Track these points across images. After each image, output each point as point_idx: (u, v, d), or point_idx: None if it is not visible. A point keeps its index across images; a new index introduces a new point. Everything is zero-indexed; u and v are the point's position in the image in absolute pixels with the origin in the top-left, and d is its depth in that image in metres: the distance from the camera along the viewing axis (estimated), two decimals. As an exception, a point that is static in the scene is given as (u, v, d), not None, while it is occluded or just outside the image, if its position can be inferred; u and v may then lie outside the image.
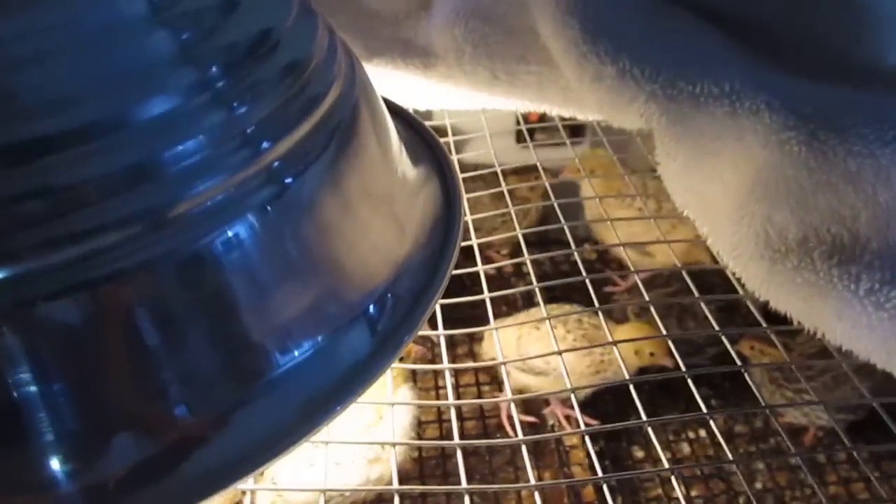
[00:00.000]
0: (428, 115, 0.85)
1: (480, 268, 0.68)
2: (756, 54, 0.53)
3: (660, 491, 0.85)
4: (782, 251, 0.48)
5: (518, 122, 0.92)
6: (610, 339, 0.61)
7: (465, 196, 0.51)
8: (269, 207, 0.33)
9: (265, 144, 0.32)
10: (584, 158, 0.91)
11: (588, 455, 0.59)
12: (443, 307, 0.63)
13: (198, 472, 0.32)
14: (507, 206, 0.76)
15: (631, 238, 0.79)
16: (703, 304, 0.62)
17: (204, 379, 0.32)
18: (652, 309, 0.65)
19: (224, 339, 0.33)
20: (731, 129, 0.49)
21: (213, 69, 0.31)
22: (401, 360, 0.73)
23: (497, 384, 0.96)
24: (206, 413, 0.32)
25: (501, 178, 0.79)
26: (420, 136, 0.55)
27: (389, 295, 0.40)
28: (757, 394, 0.57)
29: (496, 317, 0.64)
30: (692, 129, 0.50)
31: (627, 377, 0.55)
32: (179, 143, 0.29)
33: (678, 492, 0.52)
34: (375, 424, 0.75)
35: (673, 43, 0.53)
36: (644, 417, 0.51)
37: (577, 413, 0.53)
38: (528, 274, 0.69)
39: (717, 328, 0.60)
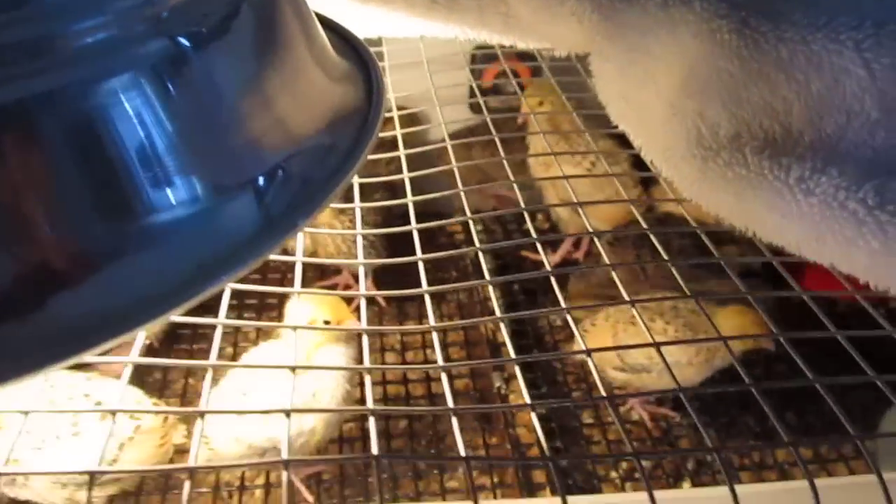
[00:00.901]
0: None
1: (415, 226, 0.61)
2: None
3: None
4: (714, 148, 0.46)
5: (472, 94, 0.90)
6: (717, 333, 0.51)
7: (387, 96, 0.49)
8: (158, 57, 0.32)
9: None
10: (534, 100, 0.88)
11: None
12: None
13: (64, 317, 0.29)
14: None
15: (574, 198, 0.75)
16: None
17: (72, 210, 0.30)
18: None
19: (97, 175, 0.30)
20: (662, 21, 0.47)
21: None
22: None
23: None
24: (73, 245, 0.30)
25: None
26: (347, 41, 0.54)
27: (281, 171, 0.38)
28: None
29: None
30: (624, 25, 0.48)
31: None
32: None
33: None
34: (303, 373, 0.72)
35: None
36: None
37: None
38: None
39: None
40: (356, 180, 0.66)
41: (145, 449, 0.71)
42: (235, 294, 0.51)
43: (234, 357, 0.87)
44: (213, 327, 0.47)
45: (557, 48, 0.60)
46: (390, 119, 0.74)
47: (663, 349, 0.45)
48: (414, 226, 0.59)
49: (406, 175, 0.66)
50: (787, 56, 0.44)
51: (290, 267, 0.56)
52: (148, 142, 0.32)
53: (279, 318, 0.80)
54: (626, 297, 0.50)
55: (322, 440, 0.76)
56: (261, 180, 0.36)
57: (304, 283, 0.73)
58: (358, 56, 0.53)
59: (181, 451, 0.80)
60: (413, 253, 0.56)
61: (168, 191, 0.32)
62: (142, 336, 0.47)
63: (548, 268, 0.53)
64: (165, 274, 0.32)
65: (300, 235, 0.59)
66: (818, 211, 0.41)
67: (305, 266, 0.93)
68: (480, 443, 0.84)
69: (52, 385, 0.70)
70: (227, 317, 0.55)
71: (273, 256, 0.63)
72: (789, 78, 0.44)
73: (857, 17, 0.43)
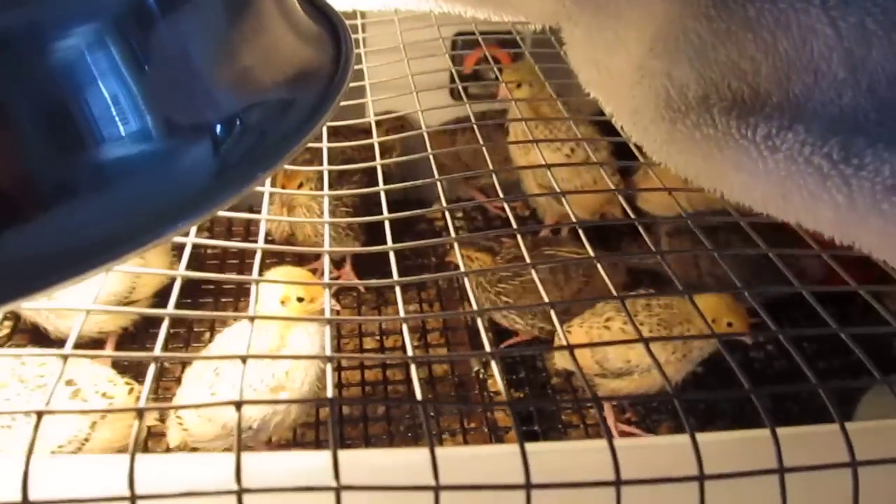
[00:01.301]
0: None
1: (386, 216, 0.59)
2: None
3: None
4: (682, 110, 0.46)
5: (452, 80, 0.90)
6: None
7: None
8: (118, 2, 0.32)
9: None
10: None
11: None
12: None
13: (13, 254, 0.29)
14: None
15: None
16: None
17: (24, 142, 0.29)
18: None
19: (50, 107, 0.30)
20: (631, -16, 0.47)
21: None
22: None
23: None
24: (24, 175, 0.30)
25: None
26: (318, 8, 0.54)
27: (239, 122, 0.38)
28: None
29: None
30: (593, -12, 0.48)
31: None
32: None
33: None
34: (276, 350, 0.71)
35: None
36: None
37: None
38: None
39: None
40: (326, 168, 0.65)
41: (117, 428, 0.70)
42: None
43: (212, 333, 0.86)
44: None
45: (532, 20, 0.60)
46: (365, 104, 0.73)
47: (636, 351, 0.44)
48: (386, 215, 0.56)
49: (378, 162, 0.64)
50: (755, 15, 0.44)
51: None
52: (103, 82, 0.31)
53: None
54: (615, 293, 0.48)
55: (297, 420, 0.75)
56: (218, 128, 0.36)
57: (284, 266, 0.73)
58: (328, 21, 0.53)
59: (155, 434, 0.79)
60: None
61: (121, 126, 0.32)
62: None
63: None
64: (118, 217, 0.31)
65: (263, 222, 0.58)
66: (784, 167, 0.41)
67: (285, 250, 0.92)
68: (458, 427, 0.84)
69: (23, 363, 0.70)
70: (203, 296, 0.55)
71: (236, 242, 0.63)
72: (757, 37, 0.44)
73: (823, -25, 0.43)
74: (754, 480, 0.33)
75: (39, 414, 0.32)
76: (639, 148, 0.53)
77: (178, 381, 0.78)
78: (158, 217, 0.32)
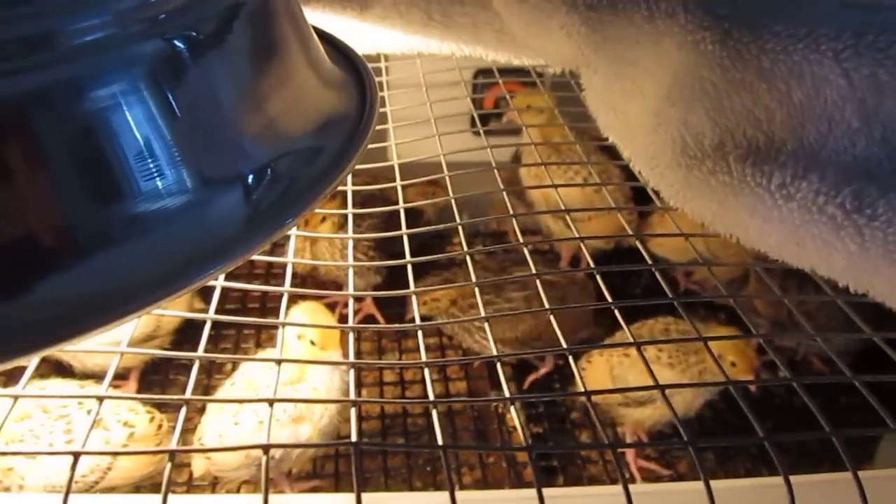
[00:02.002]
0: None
1: (409, 260, 0.61)
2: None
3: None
4: (698, 157, 0.47)
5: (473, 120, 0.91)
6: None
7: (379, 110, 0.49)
8: (154, 56, 0.33)
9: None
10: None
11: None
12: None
13: (48, 302, 0.30)
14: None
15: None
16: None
17: (63, 193, 0.31)
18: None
19: (89, 162, 0.31)
20: (648, 34, 0.48)
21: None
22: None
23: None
24: (62, 225, 0.31)
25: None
26: (343, 52, 0.55)
27: (270, 170, 0.39)
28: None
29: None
30: (611, 38, 0.50)
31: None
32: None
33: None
34: (297, 382, 0.73)
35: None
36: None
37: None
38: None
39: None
40: (351, 211, 0.66)
41: (139, 457, 0.72)
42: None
43: (235, 364, 0.88)
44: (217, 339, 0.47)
45: (551, 64, 0.62)
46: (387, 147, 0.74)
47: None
48: (409, 259, 0.59)
49: (402, 206, 0.66)
50: (769, 66, 0.45)
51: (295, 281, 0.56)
52: (140, 134, 0.33)
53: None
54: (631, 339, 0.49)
55: (317, 451, 0.76)
56: (250, 177, 0.37)
57: (306, 302, 0.74)
58: (353, 67, 0.55)
59: (177, 465, 0.80)
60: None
61: (157, 180, 0.33)
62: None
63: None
64: (152, 264, 0.33)
65: (289, 265, 0.59)
66: (798, 216, 0.42)
67: (306, 284, 0.93)
68: (476, 461, 0.84)
69: (44, 390, 0.71)
70: (227, 328, 0.55)
71: (262, 286, 0.65)
72: (771, 87, 0.45)
73: (836, 28, 0.44)
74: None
75: (76, 455, 0.33)
76: (656, 192, 0.54)
77: (201, 410, 0.79)
78: (190, 264, 0.33)
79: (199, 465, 0.75)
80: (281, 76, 0.42)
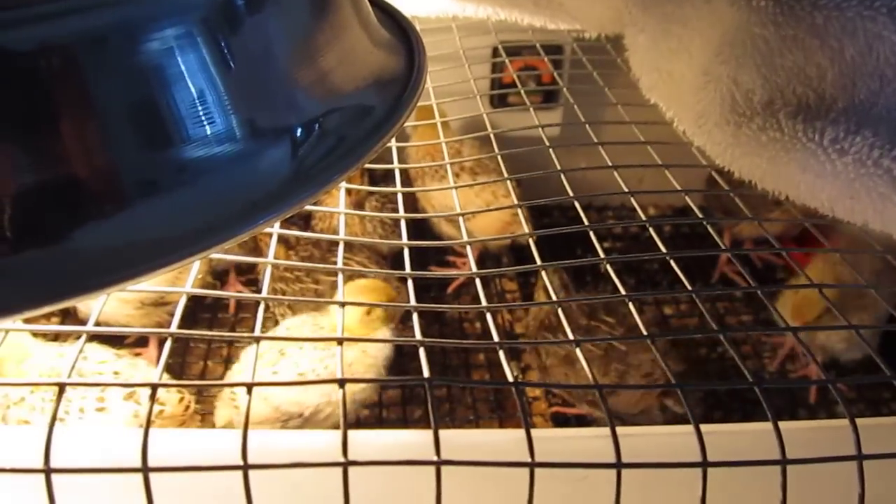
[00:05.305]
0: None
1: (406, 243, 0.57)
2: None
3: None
4: (748, 115, 0.47)
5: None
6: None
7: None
8: (209, 4, 0.33)
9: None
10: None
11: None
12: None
13: (92, 248, 0.29)
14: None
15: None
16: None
17: (112, 135, 0.30)
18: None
19: (140, 105, 0.31)
20: (699, -9, 0.48)
21: None
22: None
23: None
24: (110, 168, 0.30)
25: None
26: (391, 15, 0.55)
27: (318, 125, 0.38)
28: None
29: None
30: (660, -4, 0.50)
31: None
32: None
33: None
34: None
35: None
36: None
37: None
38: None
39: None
40: (343, 211, 0.64)
41: (171, 419, 0.72)
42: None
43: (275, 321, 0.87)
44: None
45: (587, 28, 0.62)
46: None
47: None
48: (409, 272, 0.52)
49: (399, 189, 0.64)
50: (822, 22, 0.45)
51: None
52: (191, 80, 0.32)
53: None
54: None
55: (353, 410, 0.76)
56: (298, 130, 0.36)
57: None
58: (401, 30, 0.54)
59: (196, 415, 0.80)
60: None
61: (207, 126, 0.32)
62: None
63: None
64: (199, 212, 0.31)
65: (341, 245, 0.56)
66: (852, 169, 0.42)
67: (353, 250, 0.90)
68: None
69: (86, 357, 0.71)
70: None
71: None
72: (823, 44, 0.45)
73: (890, -16, 0.44)
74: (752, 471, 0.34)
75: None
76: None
77: (225, 363, 0.79)
78: (236, 214, 0.32)
79: (222, 415, 0.75)
80: (334, 32, 0.42)
